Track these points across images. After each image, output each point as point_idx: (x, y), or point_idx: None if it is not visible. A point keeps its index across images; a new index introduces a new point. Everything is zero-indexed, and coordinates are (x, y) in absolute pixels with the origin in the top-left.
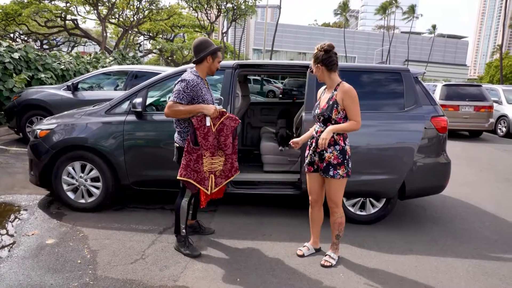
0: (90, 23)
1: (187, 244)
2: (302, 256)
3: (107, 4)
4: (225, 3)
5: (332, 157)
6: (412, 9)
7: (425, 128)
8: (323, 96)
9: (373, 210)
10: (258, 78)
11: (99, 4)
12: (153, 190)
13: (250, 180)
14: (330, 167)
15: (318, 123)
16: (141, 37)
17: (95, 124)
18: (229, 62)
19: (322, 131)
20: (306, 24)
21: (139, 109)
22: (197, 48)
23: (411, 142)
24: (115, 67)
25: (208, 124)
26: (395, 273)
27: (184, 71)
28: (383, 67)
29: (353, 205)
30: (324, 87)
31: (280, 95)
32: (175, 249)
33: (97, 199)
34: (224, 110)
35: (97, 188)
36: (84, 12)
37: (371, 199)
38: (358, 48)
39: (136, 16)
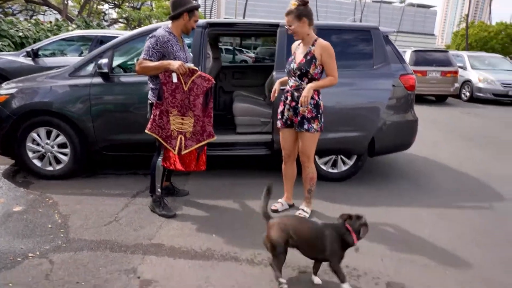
0: None
1: (162, 204)
2: (277, 211)
3: None
4: None
5: (306, 111)
6: None
7: (393, 85)
8: (298, 51)
9: (344, 168)
10: (230, 47)
11: None
12: (125, 155)
13: (224, 142)
14: (305, 121)
15: (293, 77)
16: (106, 5)
17: (59, 88)
18: (198, 21)
19: (297, 86)
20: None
21: (105, 70)
22: (174, 3)
23: (379, 99)
24: (78, 32)
25: (175, 80)
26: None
27: (155, 29)
28: (352, 25)
29: (325, 163)
30: (298, 42)
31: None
32: (150, 210)
33: (66, 166)
34: (196, 68)
35: (65, 154)
36: None
37: (342, 157)
38: (331, 17)
39: None
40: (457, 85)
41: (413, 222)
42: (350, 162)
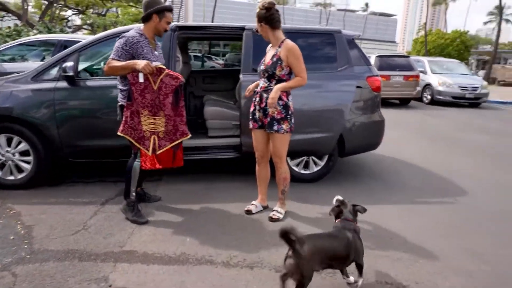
0: None
1: (135, 210)
2: (250, 213)
3: None
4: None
5: (276, 112)
6: None
7: (357, 87)
8: (268, 54)
9: (316, 169)
10: (199, 54)
11: None
12: (93, 162)
13: (192, 146)
14: (274, 122)
15: (263, 79)
16: (69, 11)
17: (21, 92)
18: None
19: (266, 87)
20: (246, 1)
21: (71, 73)
22: (145, 4)
23: (343, 101)
24: (40, 36)
25: (141, 80)
26: None
27: (124, 31)
28: (316, 28)
29: (297, 165)
30: (271, 44)
31: None
32: (122, 211)
33: (29, 175)
34: (163, 67)
35: (27, 162)
36: None
37: (313, 158)
38: (297, 25)
39: None
40: (419, 88)
41: (383, 218)
42: (322, 163)
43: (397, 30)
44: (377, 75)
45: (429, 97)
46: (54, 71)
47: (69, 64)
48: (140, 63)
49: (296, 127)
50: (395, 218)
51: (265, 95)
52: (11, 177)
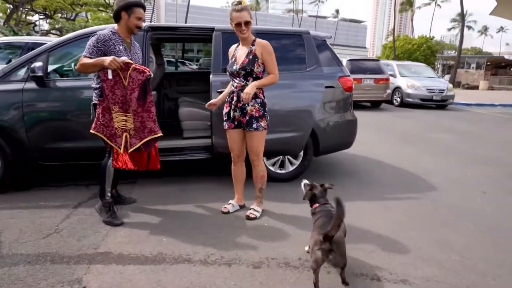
0: None
1: (110, 211)
2: (228, 213)
3: None
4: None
5: (254, 110)
6: None
7: (331, 87)
8: (238, 53)
9: (291, 168)
10: (173, 60)
11: None
12: (65, 165)
13: (166, 148)
14: (253, 120)
15: (238, 78)
16: (36, 16)
17: None
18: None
19: (242, 86)
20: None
21: (40, 74)
22: (115, 3)
23: (312, 100)
24: (5, 38)
25: (110, 76)
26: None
27: (96, 31)
28: (285, 29)
29: (273, 164)
30: (235, 45)
31: None
32: (96, 211)
33: None
34: (130, 61)
35: None
36: None
37: (289, 157)
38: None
39: None
40: (389, 91)
41: (356, 214)
42: (297, 162)
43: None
44: (348, 76)
45: (399, 99)
46: (22, 72)
47: (38, 64)
48: (107, 59)
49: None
50: (369, 213)
51: (242, 94)
52: None
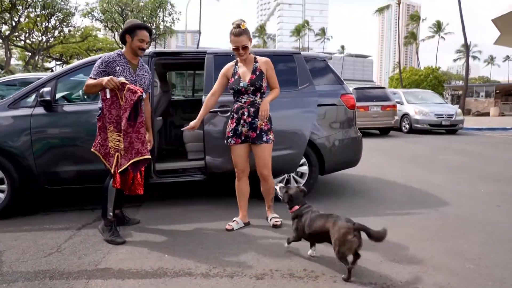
0: None
1: (112, 229)
2: (232, 230)
3: (10, 22)
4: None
5: (263, 124)
6: (323, 31)
7: (333, 104)
8: (240, 70)
9: None
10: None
11: (1, 22)
12: (71, 190)
13: (173, 169)
14: (263, 133)
15: (245, 94)
16: (53, 62)
17: None
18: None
19: (252, 101)
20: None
21: (48, 98)
22: (123, 29)
23: (306, 118)
24: (20, 75)
25: (107, 96)
26: None
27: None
28: (277, 50)
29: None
30: (231, 63)
31: None
32: (99, 231)
33: (2, 204)
34: (125, 82)
35: (1, 191)
36: None
37: (294, 176)
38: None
39: (45, 36)
40: (396, 117)
41: None
42: (302, 181)
43: (373, 70)
44: (350, 93)
45: (407, 126)
46: (31, 98)
47: (46, 89)
48: (105, 79)
49: None
50: (377, 227)
51: (252, 109)
52: None
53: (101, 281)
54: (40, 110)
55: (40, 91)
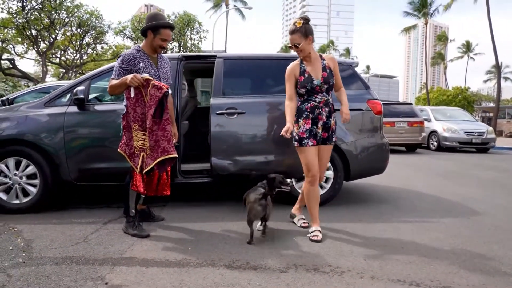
0: (27, 66)
1: (136, 224)
2: (321, 241)
3: (48, 40)
4: (171, 42)
5: (333, 124)
6: (347, 51)
7: (360, 109)
8: (309, 68)
9: (321, 192)
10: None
11: (39, 39)
12: (99, 188)
13: (198, 169)
14: (333, 133)
15: (320, 93)
16: None
17: (32, 117)
18: (175, 54)
19: (326, 100)
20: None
21: (81, 96)
22: (146, 19)
23: None
24: (55, 82)
25: (132, 94)
26: (344, 236)
27: None
28: (286, 55)
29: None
30: (295, 62)
31: None
32: (123, 231)
33: (34, 198)
34: (150, 78)
35: (33, 186)
36: (22, 51)
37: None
38: None
39: (79, 52)
40: (424, 134)
41: (393, 232)
42: (327, 186)
43: (399, 90)
44: (377, 99)
45: (435, 143)
46: (66, 98)
47: (81, 88)
48: (128, 77)
49: (268, 148)
50: (407, 232)
51: (327, 109)
52: (16, 201)
53: (125, 268)
54: (73, 108)
55: (75, 90)
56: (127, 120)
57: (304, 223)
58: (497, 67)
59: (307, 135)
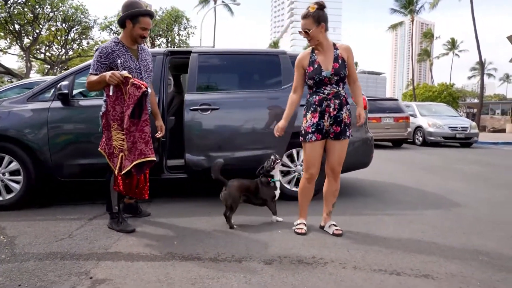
0: (10, 61)
1: (120, 220)
2: (305, 233)
3: (32, 35)
4: (158, 37)
5: (346, 117)
6: None
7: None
8: (320, 58)
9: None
10: None
11: (22, 34)
12: (84, 184)
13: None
14: (346, 127)
15: (329, 85)
16: None
17: (15, 112)
18: (160, 50)
19: (336, 92)
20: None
21: (65, 91)
22: (122, 8)
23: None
24: (39, 77)
25: (111, 93)
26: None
27: None
28: (262, 50)
29: (289, 182)
30: (306, 51)
31: None
32: (108, 227)
33: (17, 195)
34: (129, 75)
35: (17, 182)
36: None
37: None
38: None
39: (64, 48)
40: (409, 129)
41: (376, 224)
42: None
43: (386, 87)
44: (362, 94)
45: (421, 139)
46: (50, 93)
47: (64, 83)
48: (106, 75)
49: (242, 144)
50: (390, 224)
51: (337, 101)
52: None
53: (110, 262)
54: (57, 104)
55: (59, 85)
56: (107, 118)
57: (337, 230)
58: (481, 64)
59: (313, 129)
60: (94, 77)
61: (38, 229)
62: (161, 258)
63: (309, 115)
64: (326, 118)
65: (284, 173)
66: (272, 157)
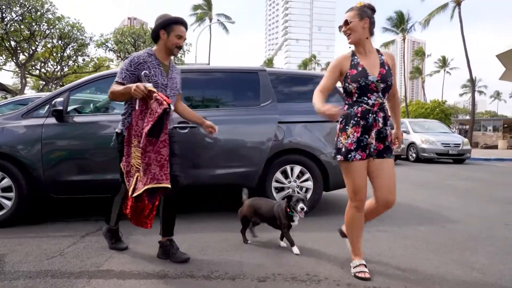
0: (5, 78)
1: (115, 237)
2: (369, 279)
3: (28, 51)
4: None
5: (389, 134)
6: (328, 65)
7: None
8: (363, 62)
9: None
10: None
11: (18, 50)
12: (75, 201)
13: None
14: (390, 144)
15: (375, 93)
16: None
17: (9, 128)
18: None
19: (381, 104)
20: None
21: (60, 108)
22: (154, 22)
23: (264, 135)
24: (35, 94)
25: (137, 107)
26: (323, 245)
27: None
28: (241, 67)
29: (283, 198)
30: (346, 54)
31: None
32: (103, 235)
33: (9, 212)
34: (153, 89)
35: (8, 199)
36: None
37: (299, 191)
38: None
39: (59, 64)
40: (403, 146)
41: (370, 240)
42: (308, 196)
43: None
44: None
45: (414, 155)
46: (44, 109)
47: (59, 99)
48: (131, 87)
49: (219, 161)
50: (384, 240)
51: (382, 114)
52: None
53: (102, 281)
54: (51, 120)
55: (53, 102)
56: (129, 132)
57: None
58: (471, 81)
59: (355, 146)
60: (119, 87)
61: (29, 247)
62: (153, 275)
63: (349, 130)
64: (372, 135)
65: (278, 190)
66: (301, 196)
